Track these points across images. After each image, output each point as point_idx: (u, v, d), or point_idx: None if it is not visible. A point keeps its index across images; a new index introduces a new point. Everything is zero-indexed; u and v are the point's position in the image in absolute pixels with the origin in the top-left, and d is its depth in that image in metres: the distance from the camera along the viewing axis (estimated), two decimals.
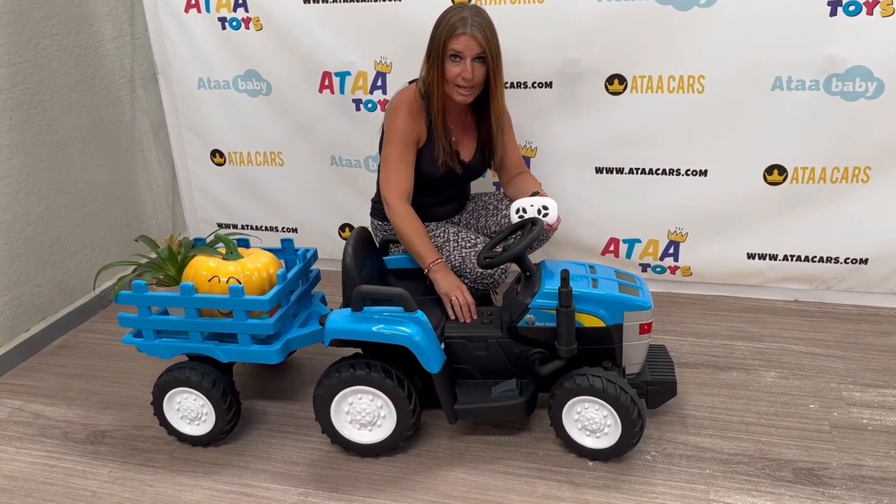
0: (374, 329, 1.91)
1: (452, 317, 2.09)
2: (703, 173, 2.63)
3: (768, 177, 2.58)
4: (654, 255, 2.80)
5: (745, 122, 2.53)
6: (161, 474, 2.01)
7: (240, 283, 2.02)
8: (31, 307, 2.70)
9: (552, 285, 1.95)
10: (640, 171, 2.69)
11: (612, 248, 2.83)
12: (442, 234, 2.34)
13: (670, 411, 2.15)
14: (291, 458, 2.05)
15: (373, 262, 2.19)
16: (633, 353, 1.99)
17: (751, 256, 2.72)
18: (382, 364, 1.94)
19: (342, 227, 3.12)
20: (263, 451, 2.08)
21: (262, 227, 3.20)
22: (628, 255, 2.83)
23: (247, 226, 3.22)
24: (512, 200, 2.37)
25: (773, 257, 2.70)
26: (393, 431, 1.98)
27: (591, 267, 2.11)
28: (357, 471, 1.98)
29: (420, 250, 2.15)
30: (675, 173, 2.65)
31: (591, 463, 1.96)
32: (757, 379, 2.29)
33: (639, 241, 2.80)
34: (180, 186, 3.25)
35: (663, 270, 2.82)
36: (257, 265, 2.07)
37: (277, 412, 2.26)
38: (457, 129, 2.33)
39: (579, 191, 2.77)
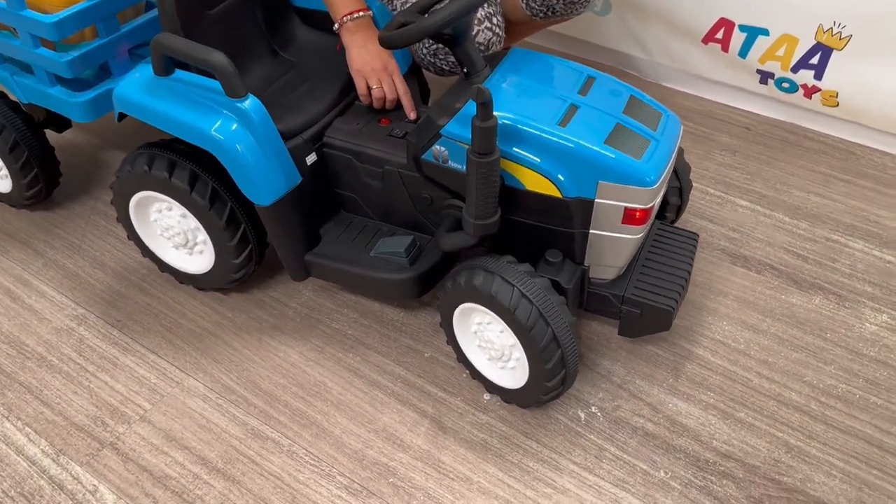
0: (166, 112, 1.15)
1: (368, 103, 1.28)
2: None
3: None
4: (784, 60, 1.70)
5: None
6: None
7: None
8: None
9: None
10: None
11: (719, 34, 1.75)
12: None
13: (666, 343, 1.31)
14: (102, 258, 1.46)
15: None
16: (607, 249, 1.13)
17: None
18: (195, 167, 1.21)
19: None
20: (80, 235, 1.50)
21: None
22: (742, 53, 1.74)
23: None
24: None
25: None
26: (212, 267, 1.31)
27: (591, 78, 1.16)
28: (164, 305, 1.37)
29: None
30: None
31: (486, 396, 1.22)
32: (850, 320, 1.35)
33: (765, 32, 1.69)
34: None
35: (794, 88, 1.73)
36: None
37: None
38: None
39: None
